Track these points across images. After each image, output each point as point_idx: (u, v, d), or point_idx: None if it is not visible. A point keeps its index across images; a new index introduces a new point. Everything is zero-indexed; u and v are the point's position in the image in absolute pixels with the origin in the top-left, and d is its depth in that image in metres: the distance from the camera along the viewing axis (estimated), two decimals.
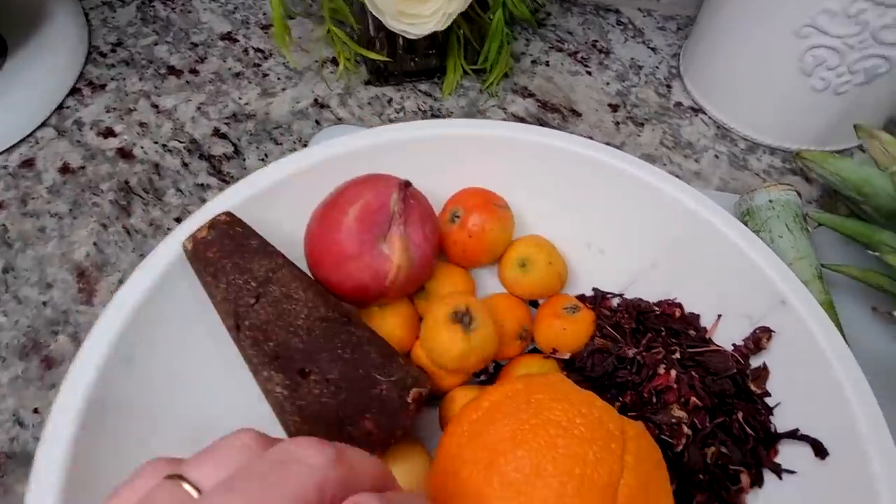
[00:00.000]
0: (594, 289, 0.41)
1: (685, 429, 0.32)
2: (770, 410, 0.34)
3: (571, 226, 0.42)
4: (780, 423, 0.34)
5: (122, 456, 0.30)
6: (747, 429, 0.32)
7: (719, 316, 0.37)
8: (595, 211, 0.41)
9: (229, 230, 0.33)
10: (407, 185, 0.34)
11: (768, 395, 0.34)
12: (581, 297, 0.41)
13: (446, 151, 0.40)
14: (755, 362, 0.35)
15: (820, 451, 0.31)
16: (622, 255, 0.41)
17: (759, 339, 0.34)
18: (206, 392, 0.34)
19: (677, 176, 0.54)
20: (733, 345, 0.36)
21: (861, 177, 0.41)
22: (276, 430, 0.33)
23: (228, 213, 0.33)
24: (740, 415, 0.33)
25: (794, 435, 0.32)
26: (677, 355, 0.35)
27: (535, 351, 0.40)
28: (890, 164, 0.40)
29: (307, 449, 0.19)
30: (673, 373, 0.34)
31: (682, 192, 0.38)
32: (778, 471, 0.32)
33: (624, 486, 0.26)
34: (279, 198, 0.37)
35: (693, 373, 0.34)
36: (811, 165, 0.44)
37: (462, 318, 0.34)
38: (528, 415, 0.28)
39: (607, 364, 0.36)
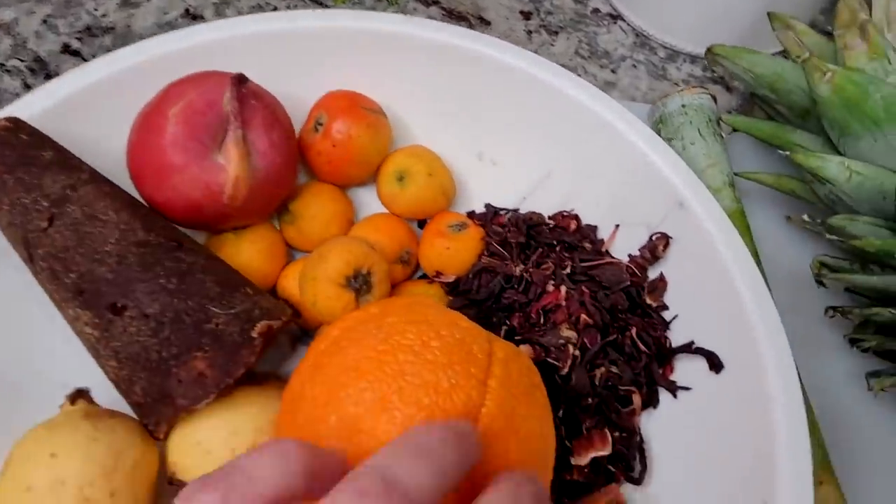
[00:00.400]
0: (486, 205, 0.37)
1: (571, 350, 0.28)
2: (666, 325, 0.30)
3: (461, 135, 0.37)
4: (679, 337, 0.30)
5: None
6: (640, 345, 0.29)
7: (617, 226, 0.34)
8: (486, 117, 0.36)
9: (11, 139, 0.26)
10: (241, 80, 0.29)
11: (665, 308, 0.31)
12: (472, 215, 0.36)
13: (311, 50, 0.34)
14: (654, 273, 0.32)
15: (714, 364, 0.28)
16: (517, 165, 0.36)
17: (656, 246, 0.31)
18: (13, 329, 0.29)
19: None
20: (629, 255, 0.32)
21: (774, 71, 0.38)
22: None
23: (11, 119, 0.27)
24: (633, 331, 0.29)
25: (688, 349, 0.29)
26: (568, 270, 0.31)
27: (425, 277, 0.36)
28: (802, 53, 0.36)
29: None
30: (563, 289, 0.31)
31: (580, 90, 0.33)
32: (672, 388, 0.29)
33: (485, 415, 0.22)
34: (97, 108, 0.31)
35: (584, 288, 0.30)
36: (724, 62, 0.40)
37: (360, 287, 0.30)
38: (376, 341, 0.23)
39: (493, 285, 0.32)
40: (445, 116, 0.37)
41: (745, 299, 0.27)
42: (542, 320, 0.30)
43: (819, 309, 0.35)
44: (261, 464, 0.17)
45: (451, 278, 0.34)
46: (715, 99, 0.42)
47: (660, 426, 0.29)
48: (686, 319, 0.30)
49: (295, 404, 0.24)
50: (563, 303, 0.30)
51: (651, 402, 0.29)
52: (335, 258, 0.30)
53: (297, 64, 0.35)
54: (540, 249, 0.33)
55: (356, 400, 0.22)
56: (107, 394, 0.27)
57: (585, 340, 0.29)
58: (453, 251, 0.33)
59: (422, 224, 0.37)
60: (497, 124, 0.36)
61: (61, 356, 0.29)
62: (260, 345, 0.27)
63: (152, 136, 0.28)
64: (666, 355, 0.29)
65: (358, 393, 0.22)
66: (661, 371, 0.29)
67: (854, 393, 0.35)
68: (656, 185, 0.31)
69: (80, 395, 0.27)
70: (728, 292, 0.28)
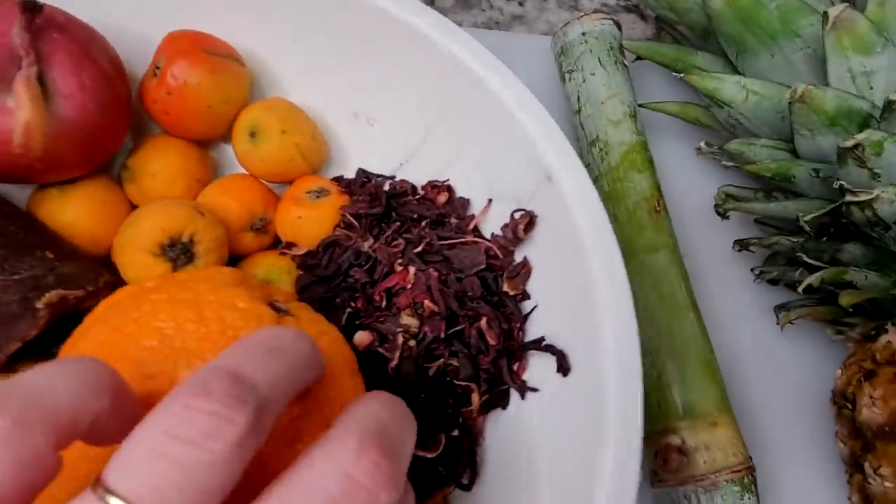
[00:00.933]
0: (358, 170, 0.33)
1: (401, 340, 0.25)
2: (524, 316, 0.27)
3: (334, 91, 0.33)
4: (539, 329, 0.27)
5: None
6: (488, 339, 0.25)
7: (490, 201, 0.30)
8: (361, 70, 0.32)
9: None
10: (33, 7, 0.25)
11: (527, 297, 0.27)
12: (339, 181, 0.32)
13: None
14: (519, 255, 0.28)
15: (563, 366, 0.24)
16: (395, 126, 0.32)
17: (517, 226, 0.27)
18: None
19: (496, 23, 0.45)
20: (492, 234, 0.28)
21: None
22: None
23: None
24: (483, 321, 0.26)
25: (538, 345, 0.25)
26: (420, 249, 0.27)
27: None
28: None
29: None
30: (411, 270, 0.27)
31: (456, 43, 0.29)
32: (522, 389, 0.26)
33: None
34: None
35: (432, 271, 0.27)
36: None
37: (177, 257, 0.26)
38: (128, 320, 0.20)
39: (342, 260, 0.29)
40: (318, 69, 0.33)
41: (600, 295, 0.23)
42: (385, 304, 0.27)
43: (728, 244, 0.34)
44: (61, 379, 0.14)
45: (303, 251, 0.30)
46: (619, 26, 0.39)
47: (506, 426, 0.26)
48: (547, 310, 0.27)
49: None
50: (409, 286, 0.26)
51: (499, 401, 0.26)
52: (147, 222, 0.26)
53: (148, 2, 0.31)
54: (398, 223, 0.29)
55: None
56: None
57: (427, 330, 0.26)
58: (306, 220, 0.30)
59: None
60: (373, 79, 0.32)
61: None
62: (45, 316, 0.24)
63: None
64: (515, 351, 0.26)
65: None
66: (512, 368, 0.26)
67: (764, 327, 0.34)
68: (526, 154, 0.27)
69: None
70: (585, 284, 0.24)
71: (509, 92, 0.28)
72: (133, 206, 0.32)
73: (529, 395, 0.26)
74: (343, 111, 0.33)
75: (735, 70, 0.32)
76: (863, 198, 0.24)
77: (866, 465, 0.25)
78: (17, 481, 0.13)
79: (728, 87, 0.30)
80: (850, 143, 0.24)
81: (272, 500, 0.13)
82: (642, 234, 0.32)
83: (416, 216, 0.29)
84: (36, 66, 0.25)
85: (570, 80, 0.37)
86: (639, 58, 0.38)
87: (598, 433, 0.21)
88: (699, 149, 0.36)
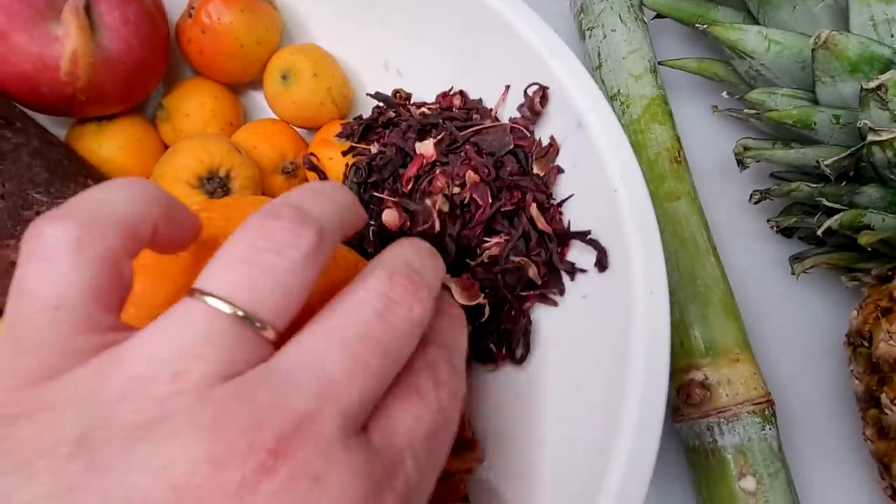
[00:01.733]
0: (374, 108, 0.33)
1: (438, 203, 0.26)
2: (559, 202, 0.27)
3: (365, 42, 0.33)
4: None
5: None
6: (538, 223, 0.26)
7: (507, 87, 0.30)
8: (393, 21, 0.32)
9: None
10: None
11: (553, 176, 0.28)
12: (360, 119, 0.33)
13: None
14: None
15: (602, 263, 0.25)
16: (423, 76, 0.33)
17: (533, 100, 0.28)
18: None
19: None
20: (510, 119, 0.29)
21: None
22: None
23: None
24: (533, 207, 0.26)
25: (583, 237, 0.26)
26: (440, 137, 0.28)
27: None
28: None
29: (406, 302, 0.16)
30: (430, 145, 0.28)
31: None
32: (572, 271, 0.26)
33: None
34: None
35: (469, 146, 0.27)
36: None
37: (214, 191, 0.27)
38: (181, 258, 0.21)
39: (360, 176, 0.29)
40: (349, 18, 0.33)
41: (631, 238, 0.24)
42: (416, 187, 0.28)
43: (745, 198, 0.35)
44: (118, 192, 0.15)
45: None
46: None
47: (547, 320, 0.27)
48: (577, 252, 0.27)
49: None
50: (435, 159, 0.27)
51: (554, 285, 0.26)
52: (187, 155, 0.27)
53: None
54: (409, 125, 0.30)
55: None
56: None
57: (475, 195, 0.26)
58: (336, 161, 0.31)
59: None
60: (405, 30, 0.32)
61: None
62: None
63: None
64: (562, 236, 0.26)
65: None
66: (559, 251, 0.26)
67: (778, 278, 0.35)
68: (557, 102, 0.28)
69: None
70: (615, 226, 0.25)
71: (540, 39, 0.28)
72: (165, 146, 0.32)
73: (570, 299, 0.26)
74: (372, 61, 0.34)
75: (756, 24, 0.32)
76: (885, 136, 0.25)
77: (882, 396, 0.25)
78: (98, 286, 0.13)
79: (750, 37, 0.31)
80: (873, 85, 0.25)
81: (323, 319, 0.15)
82: (664, 182, 0.33)
83: (439, 122, 0.30)
84: None
85: (590, 37, 0.38)
86: (658, 15, 0.38)
87: (623, 369, 0.22)
88: (715, 106, 0.37)
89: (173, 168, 0.27)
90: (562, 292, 0.27)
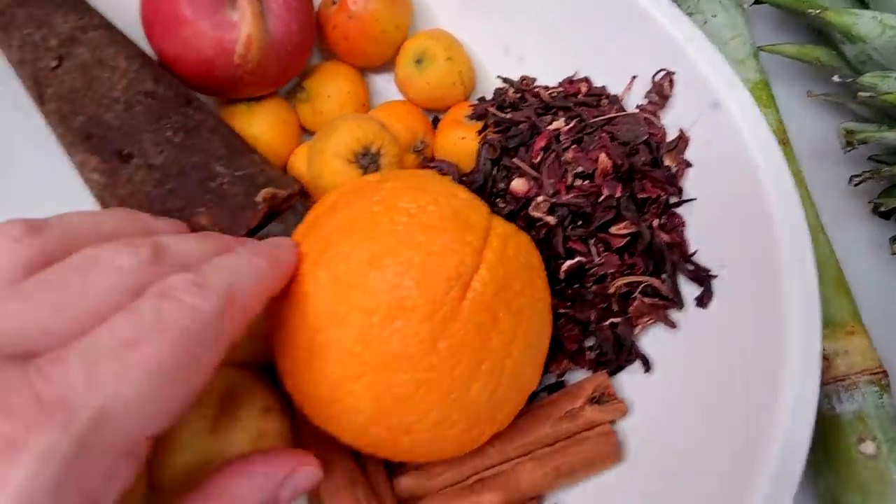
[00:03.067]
0: (496, 90, 0.35)
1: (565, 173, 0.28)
2: (677, 188, 0.29)
3: (488, 27, 0.35)
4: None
5: None
6: (661, 235, 0.28)
7: (633, 77, 0.31)
8: (515, 7, 0.34)
9: None
10: None
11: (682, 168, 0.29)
12: (483, 101, 0.34)
13: None
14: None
15: (703, 300, 0.27)
16: (544, 62, 0.34)
17: (661, 85, 0.29)
18: (23, 177, 0.29)
19: None
20: (637, 106, 0.31)
21: None
22: None
23: None
24: (655, 222, 0.28)
25: (702, 274, 0.27)
26: (571, 125, 0.30)
27: None
28: None
29: (114, 252, 0.16)
30: (560, 119, 0.29)
31: None
32: (702, 278, 0.27)
33: (478, 281, 0.22)
34: None
35: (603, 132, 0.29)
36: None
37: (367, 166, 0.29)
38: (371, 203, 0.23)
39: (492, 152, 0.31)
40: (474, 4, 0.35)
41: (774, 210, 0.25)
42: (543, 158, 0.29)
43: (843, 182, 0.36)
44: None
45: (464, 172, 0.33)
46: None
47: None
48: (706, 230, 0.29)
49: None
50: (563, 128, 0.29)
51: (675, 300, 0.28)
52: (343, 132, 0.29)
53: None
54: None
55: (346, 257, 0.22)
56: None
57: (603, 188, 0.28)
58: (469, 140, 0.32)
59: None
60: (527, 14, 0.34)
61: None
62: (263, 210, 0.27)
63: None
64: (680, 245, 0.28)
65: (349, 250, 0.22)
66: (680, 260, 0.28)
67: (878, 258, 0.36)
68: (690, 85, 0.29)
69: None
70: (756, 200, 0.26)
71: (671, 22, 0.30)
72: (302, 127, 0.34)
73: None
74: (494, 46, 0.35)
75: (865, 8, 0.33)
76: None
77: None
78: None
79: (864, 21, 0.32)
80: None
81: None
82: None
83: (569, 105, 0.31)
84: None
85: None
86: (757, 1, 0.39)
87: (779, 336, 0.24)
88: (810, 91, 0.38)
89: (333, 144, 0.29)
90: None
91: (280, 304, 0.23)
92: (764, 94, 0.37)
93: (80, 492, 0.14)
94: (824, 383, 0.29)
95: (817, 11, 0.34)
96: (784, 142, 0.35)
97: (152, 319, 0.15)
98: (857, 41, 0.32)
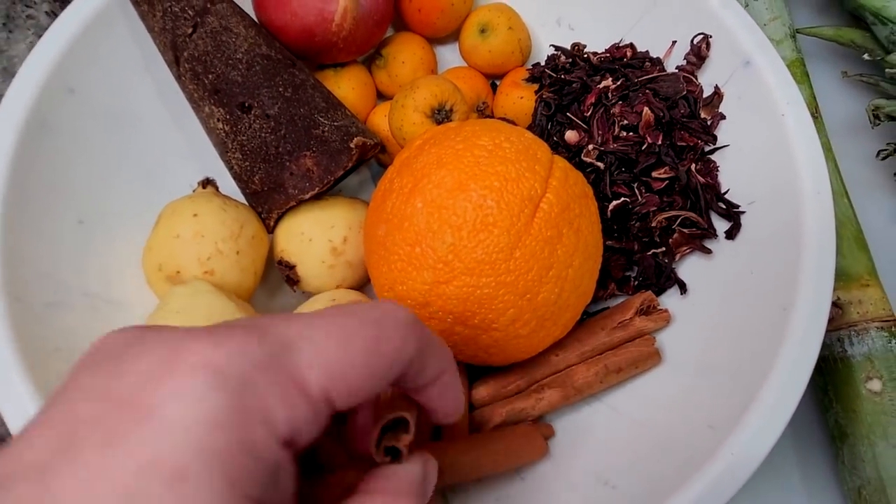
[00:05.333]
0: (549, 55, 0.39)
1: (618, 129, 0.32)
2: (714, 138, 0.33)
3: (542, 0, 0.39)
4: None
5: (63, 182, 0.31)
6: (698, 177, 0.32)
7: (673, 42, 0.36)
8: None
9: None
10: None
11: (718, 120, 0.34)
12: (537, 66, 0.39)
13: None
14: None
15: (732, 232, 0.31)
16: (593, 30, 0.39)
17: (699, 47, 0.33)
18: (149, 131, 0.34)
19: None
20: (677, 67, 0.35)
21: None
22: (218, 169, 0.34)
23: None
24: (692, 166, 0.32)
25: (730, 208, 0.32)
26: (618, 84, 0.34)
27: None
28: None
29: (392, 305, 0.18)
30: (608, 79, 0.34)
31: None
32: (734, 214, 0.32)
33: (545, 202, 0.27)
34: None
35: (647, 90, 0.33)
36: None
37: (441, 120, 0.34)
38: (455, 142, 0.28)
39: (548, 109, 0.35)
40: None
41: (798, 154, 0.30)
42: (593, 113, 0.34)
43: (870, 156, 0.39)
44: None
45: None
46: None
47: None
48: (736, 173, 0.33)
49: (384, 196, 0.29)
50: (611, 86, 0.33)
51: (709, 231, 0.33)
52: (424, 89, 0.34)
53: None
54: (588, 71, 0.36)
55: (438, 184, 0.27)
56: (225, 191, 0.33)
57: (647, 136, 0.32)
58: (527, 100, 0.37)
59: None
60: None
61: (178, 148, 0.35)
62: (356, 155, 0.32)
63: None
64: (713, 186, 0.33)
65: (440, 179, 0.27)
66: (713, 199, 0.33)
67: None
68: (724, 46, 0.33)
69: (208, 182, 0.33)
70: (781, 144, 0.30)
71: None
72: (378, 91, 0.39)
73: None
74: (547, 16, 0.40)
75: None
76: None
77: None
78: None
79: (894, 5, 0.35)
80: None
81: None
82: None
83: (616, 68, 0.36)
84: None
85: None
86: None
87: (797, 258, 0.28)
88: (845, 72, 0.40)
89: (414, 100, 0.34)
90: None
91: (378, 228, 0.28)
92: (798, 71, 0.40)
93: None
94: (837, 328, 0.33)
95: None
96: (816, 116, 0.38)
97: None
98: (888, 23, 0.35)
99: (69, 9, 0.32)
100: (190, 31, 0.31)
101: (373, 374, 0.17)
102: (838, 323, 0.33)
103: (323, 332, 0.16)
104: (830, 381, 0.33)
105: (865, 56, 0.39)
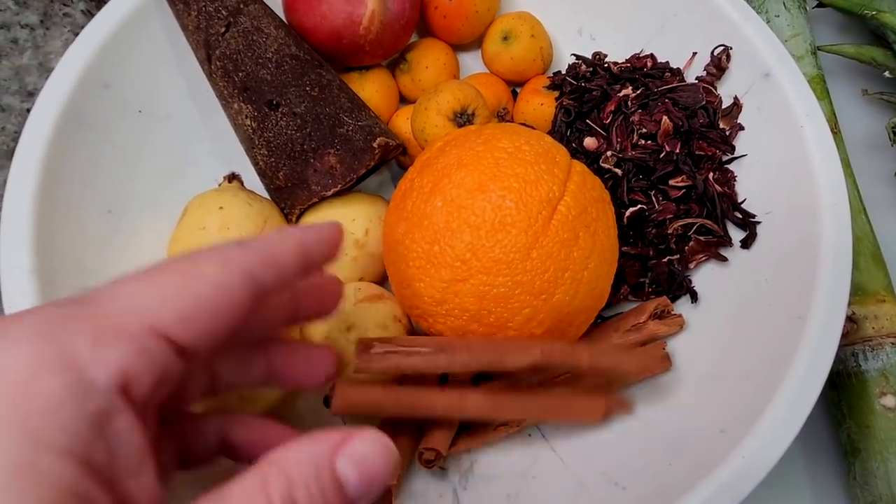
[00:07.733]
0: (570, 64, 0.40)
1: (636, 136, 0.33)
2: (731, 148, 0.33)
3: (564, 8, 0.40)
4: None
5: (94, 173, 0.32)
6: (715, 186, 0.32)
7: (694, 53, 0.36)
8: None
9: None
10: None
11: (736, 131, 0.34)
12: (558, 74, 0.40)
13: None
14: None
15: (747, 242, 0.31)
16: (614, 40, 0.39)
17: (720, 58, 0.34)
18: (178, 126, 0.36)
19: None
20: (697, 78, 0.35)
21: None
22: (243, 165, 0.35)
23: None
24: (709, 174, 0.33)
25: (747, 218, 0.32)
26: (638, 93, 0.35)
27: None
28: None
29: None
30: (628, 88, 0.34)
31: None
32: (750, 224, 0.32)
33: (563, 205, 0.27)
34: None
35: (667, 99, 0.34)
36: None
37: (463, 124, 0.34)
38: (476, 144, 0.28)
39: (568, 116, 0.36)
40: None
41: (817, 169, 0.30)
42: (612, 121, 0.34)
43: (889, 173, 0.39)
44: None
45: None
46: None
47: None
48: (753, 183, 0.33)
49: (404, 195, 0.30)
50: (631, 95, 0.34)
51: (725, 239, 0.33)
52: (447, 93, 0.34)
53: None
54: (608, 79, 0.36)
55: (458, 185, 0.27)
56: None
57: (665, 146, 0.33)
58: (547, 107, 0.38)
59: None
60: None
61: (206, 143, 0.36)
62: (378, 154, 0.33)
63: None
64: (730, 195, 0.33)
65: (460, 179, 0.28)
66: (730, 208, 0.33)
67: None
68: (744, 58, 0.34)
69: (234, 176, 0.34)
70: (801, 157, 0.31)
71: (731, 5, 0.34)
72: (401, 95, 0.40)
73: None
74: (569, 26, 0.41)
75: None
76: None
77: None
78: None
79: None
80: None
81: None
82: None
83: (636, 77, 0.36)
84: None
85: None
86: (819, 4, 0.42)
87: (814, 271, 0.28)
88: (866, 90, 0.40)
89: (437, 103, 0.34)
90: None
91: (397, 226, 0.29)
92: (819, 88, 0.40)
93: None
94: (852, 343, 0.33)
95: (873, 13, 0.37)
96: (835, 132, 0.39)
97: None
98: None
99: (106, 7, 0.33)
100: (223, 30, 0.32)
101: (207, 300, 0.17)
102: (853, 338, 0.33)
103: (138, 280, 0.17)
104: (844, 396, 0.33)
105: (886, 74, 0.39)
